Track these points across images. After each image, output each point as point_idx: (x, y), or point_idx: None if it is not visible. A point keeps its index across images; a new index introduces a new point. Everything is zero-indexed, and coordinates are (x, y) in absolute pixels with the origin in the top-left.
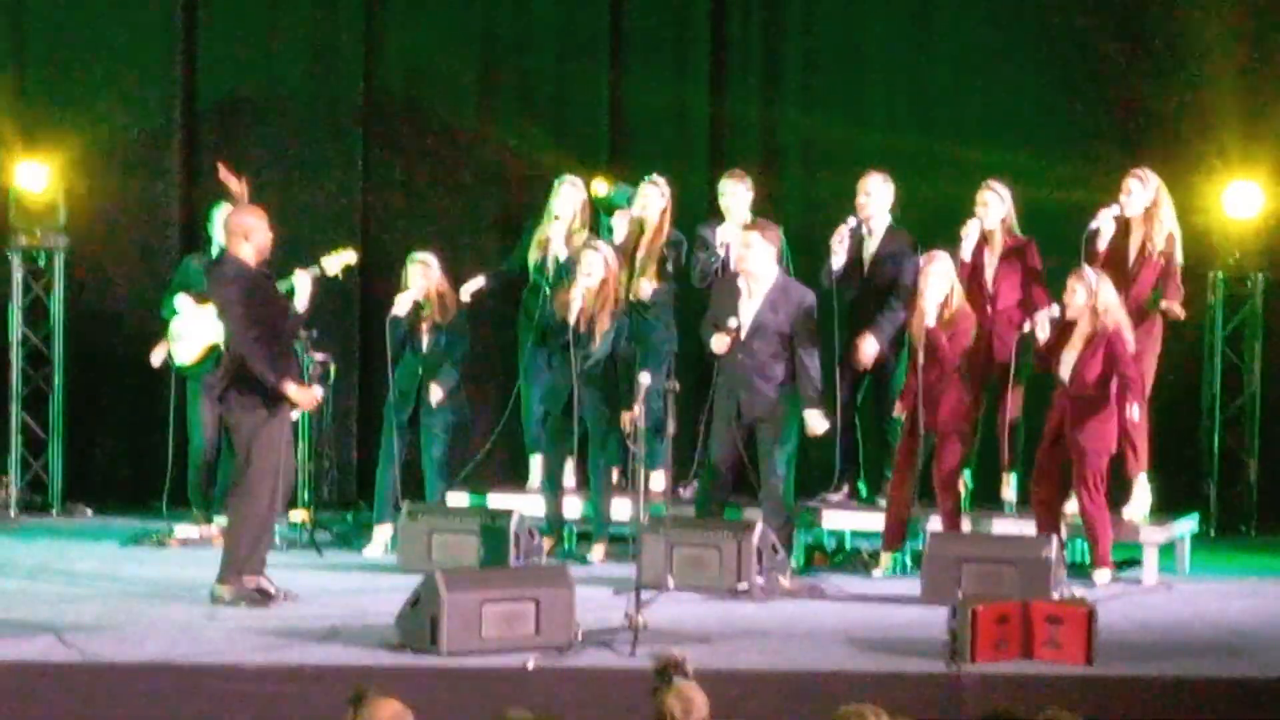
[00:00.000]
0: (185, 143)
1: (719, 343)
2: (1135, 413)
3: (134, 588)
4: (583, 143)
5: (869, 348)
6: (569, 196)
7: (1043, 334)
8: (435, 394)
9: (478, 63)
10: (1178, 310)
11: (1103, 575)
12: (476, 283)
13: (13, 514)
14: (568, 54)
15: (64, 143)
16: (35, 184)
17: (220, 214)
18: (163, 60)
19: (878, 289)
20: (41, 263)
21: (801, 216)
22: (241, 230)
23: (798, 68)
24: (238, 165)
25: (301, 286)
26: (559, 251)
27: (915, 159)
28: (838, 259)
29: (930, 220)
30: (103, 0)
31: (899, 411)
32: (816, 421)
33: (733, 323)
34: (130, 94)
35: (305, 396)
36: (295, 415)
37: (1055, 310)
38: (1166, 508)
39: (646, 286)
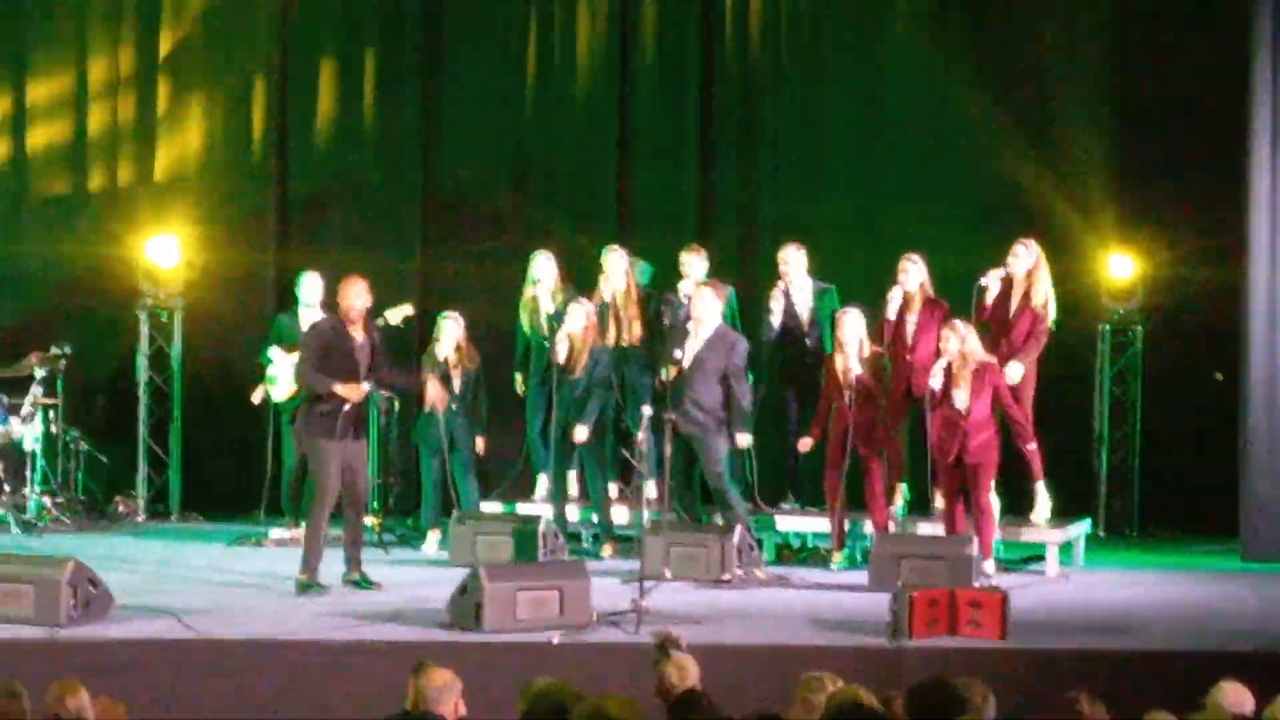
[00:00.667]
0: (278, 222)
1: (666, 372)
2: (1031, 445)
3: (238, 579)
4: (597, 220)
5: (806, 446)
6: (545, 265)
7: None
8: (479, 444)
9: (511, 156)
10: (1014, 371)
11: (989, 565)
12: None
13: (140, 520)
14: (584, 149)
15: (184, 222)
16: (161, 256)
17: (305, 280)
18: (262, 155)
19: (810, 341)
20: (164, 319)
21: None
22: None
23: (770, 154)
24: (317, 240)
25: None
26: (547, 308)
27: (857, 229)
28: (775, 318)
29: (873, 280)
30: (214, 104)
31: (805, 447)
32: (742, 438)
33: (677, 354)
34: (236, 183)
35: (351, 391)
36: (347, 409)
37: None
38: (1064, 514)
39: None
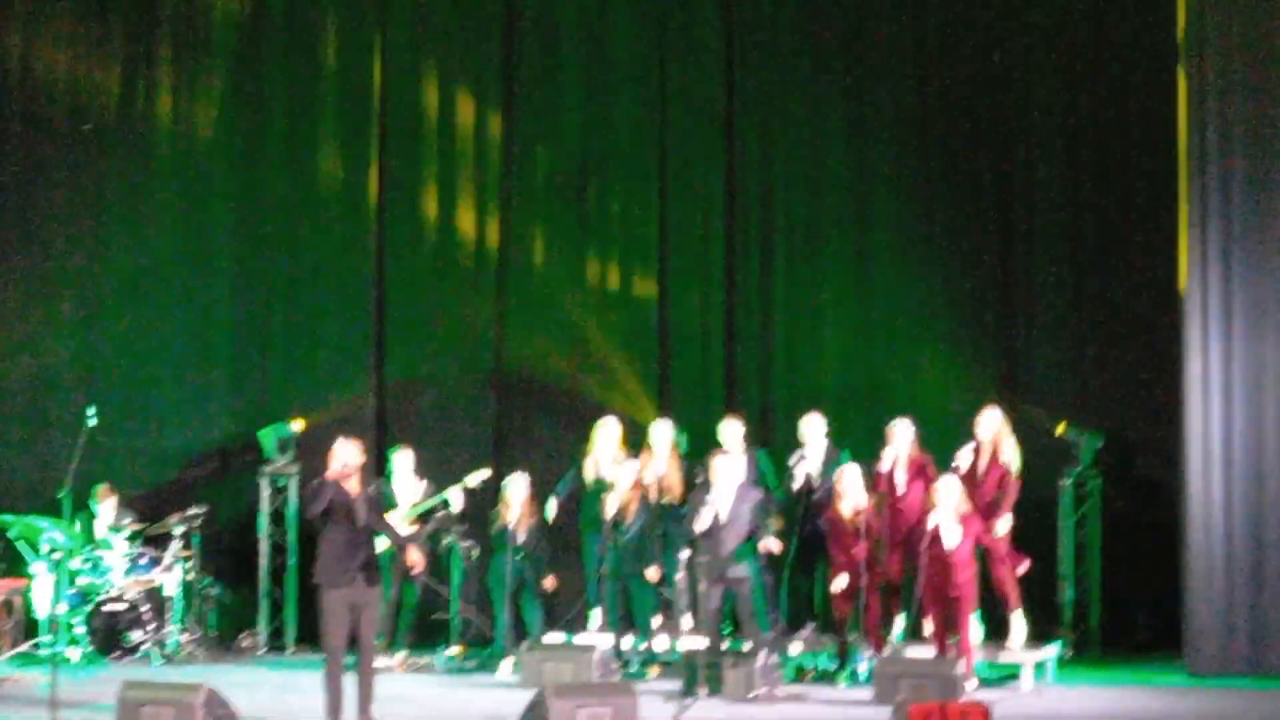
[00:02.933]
0: (376, 409)
1: (702, 522)
2: (1018, 570)
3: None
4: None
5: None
6: (605, 434)
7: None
8: (548, 583)
9: (567, 342)
10: (1001, 526)
11: (971, 684)
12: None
13: (261, 652)
14: (625, 336)
15: (298, 405)
16: (277, 441)
17: (400, 457)
18: (361, 347)
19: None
20: (281, 484)
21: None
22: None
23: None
24: (407, 419)
25: (454, 497)
26: (605, 473)
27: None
28: (797, 481)
29: (869, 439)
30: (323, 305)
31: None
32: (773, 544)
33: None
34: (338, 377)
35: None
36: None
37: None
38: (1037, 638)
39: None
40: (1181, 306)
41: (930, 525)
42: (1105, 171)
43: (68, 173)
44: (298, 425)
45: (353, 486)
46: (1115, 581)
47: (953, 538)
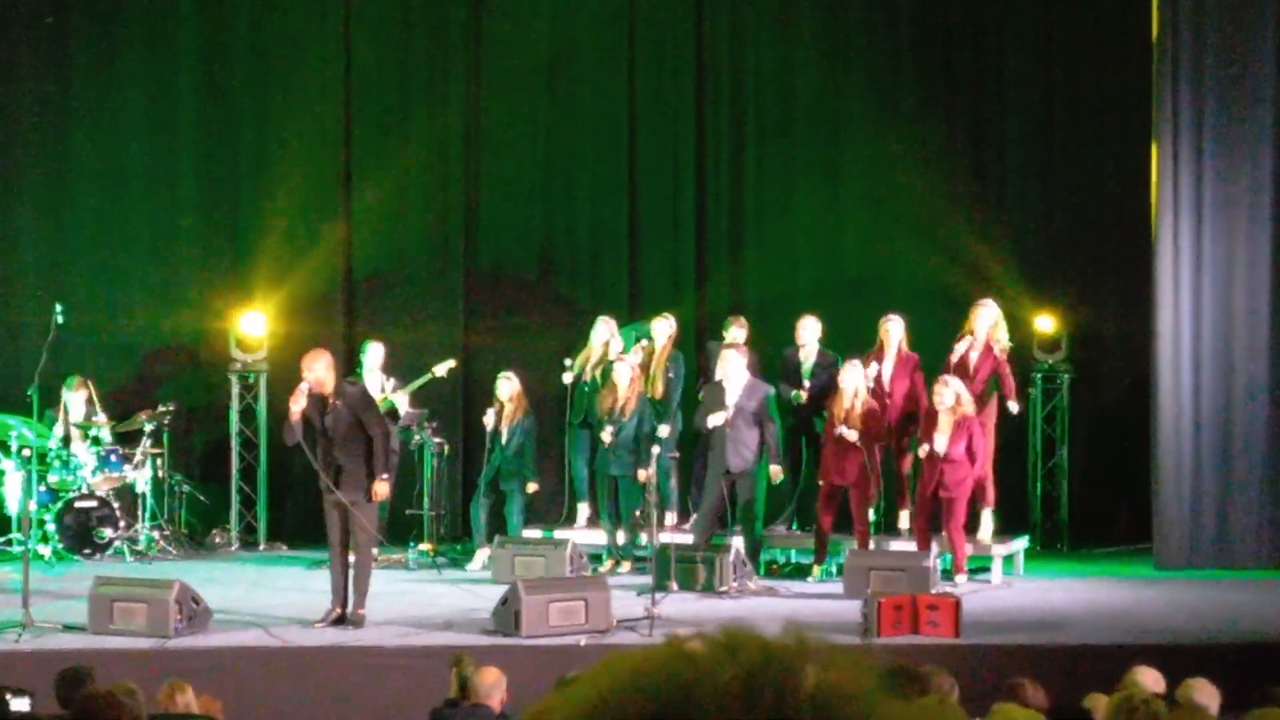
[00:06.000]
0: (345, 300)
1: (717, 419)
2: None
3: (315, 598)
4: (611, 290)
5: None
6: (601, 330)
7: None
8: (530, 487)
9: (540, 238)
10: (1015, 407)
11: (962, 579)
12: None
13: (234, 549)
14: (599, 230)
15: (268, 299)
16: (249, 328)
17: (370, 350)
18: (330, 243)
19: (815, 390)
20: (251, 380)
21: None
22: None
23: (754, 235)
24: (377, 315)
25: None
26: (598, 365)
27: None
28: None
29: (854, 342)
30: (291, 199)
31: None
32: (776, 473)
33: (721, 417)
34: (310, 267)
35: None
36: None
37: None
38: (1006, 531)
39: (663, 429)
40: (1153, 199)
41: (923, 425)
42: (1078, 66)
43: (30, 63)
44: (259, 317)
45: (332, 398)
46: (1082, 477)
47: (946, 439)
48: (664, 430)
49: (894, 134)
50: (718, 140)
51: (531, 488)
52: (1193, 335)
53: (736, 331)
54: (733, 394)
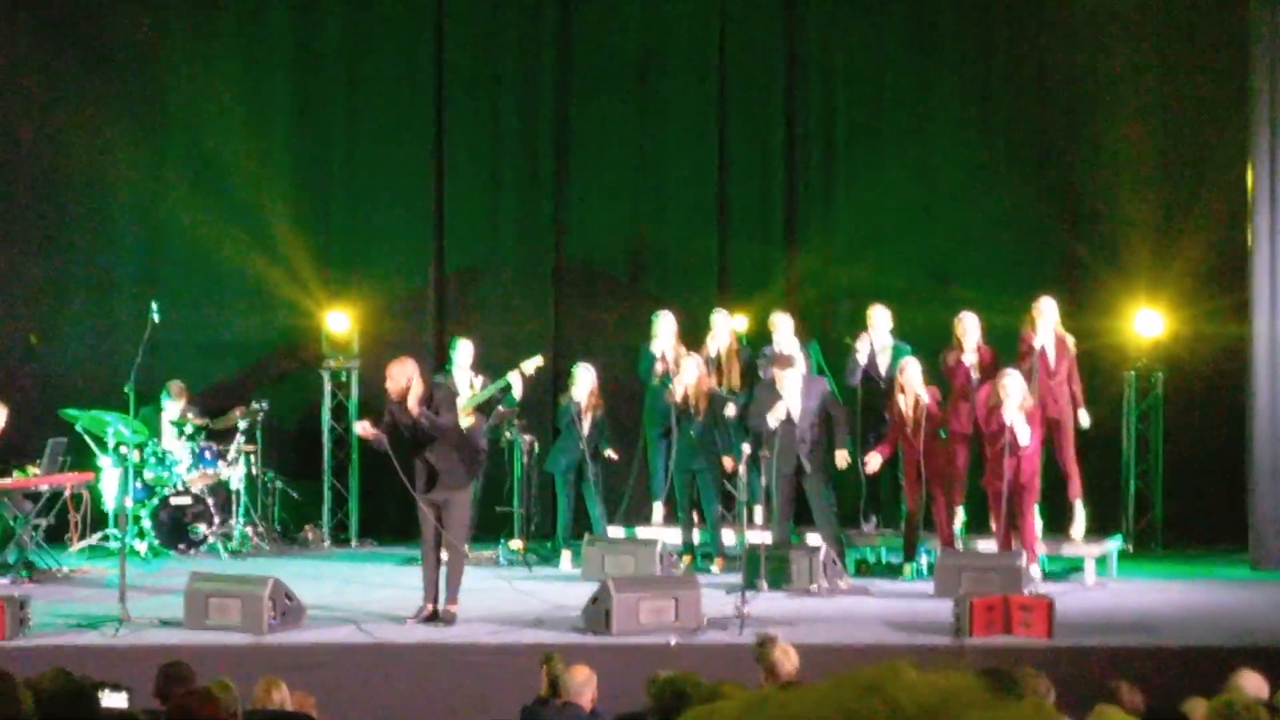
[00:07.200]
0: (436, 296)
1: (775, 418)
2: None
3: (407, 594)
4: (700, 286)
5: (875, 463)
6: (667, 324)
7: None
8: (610, 454)
9: (630, 234)
10: (1086, 420)
11: (1035, 569)
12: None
13: (325, 545)
14: (685, 225)
15: (357, 298)
16: (338, 326)
17: (460, 347)
18: (421, 240)
19: (883, 383)
20: (343, 378)
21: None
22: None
23: (845, 229)
24: (468, 310)
25: (513, 381)
26: (669, 361)
27: (916, 295)
28: (859, 363)
29: (926, 338)
30: (382, 198)
31: (873, 465)
32: (841, 459)
33: (782, 409)
34: (401, 264)
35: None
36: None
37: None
38: (1099, 533)
39: (732, 407)
40: (1249, 198)
41: (1006, 421)
42: (1174, 70)
43: (127, 66)
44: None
45: (411, 403)
46: (1177, 476)
47: (1025, 433)
48: (730, 410)
49: (986, 129)
50: (807, 137)
51: (611, 455)
52: None
53: (784, 325)
54: (793, 400)
